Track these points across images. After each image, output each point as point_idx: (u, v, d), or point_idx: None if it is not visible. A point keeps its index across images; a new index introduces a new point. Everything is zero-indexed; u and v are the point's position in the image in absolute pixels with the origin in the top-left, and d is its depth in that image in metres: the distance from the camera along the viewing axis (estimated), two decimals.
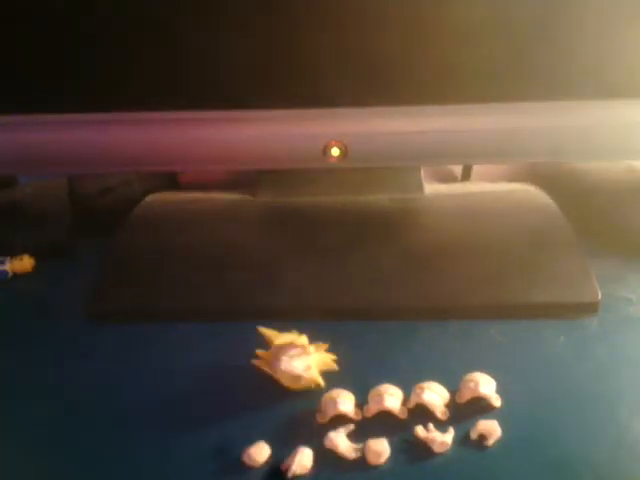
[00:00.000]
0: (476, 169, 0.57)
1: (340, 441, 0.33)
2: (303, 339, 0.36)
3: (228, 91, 0.42)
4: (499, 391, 0.35)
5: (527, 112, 0.41)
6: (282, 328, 0.37)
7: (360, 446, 0.33)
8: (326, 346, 0.37)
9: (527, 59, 0.39)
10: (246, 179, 0.57)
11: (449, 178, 0.58)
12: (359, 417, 0.34)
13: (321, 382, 0.36)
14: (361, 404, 0.35)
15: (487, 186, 0.53)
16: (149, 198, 0.54)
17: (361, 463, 0.32)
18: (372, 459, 0.32)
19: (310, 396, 0.36)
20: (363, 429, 0.34)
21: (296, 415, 0.35)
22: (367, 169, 0.51)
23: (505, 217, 0.48)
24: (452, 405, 0.35)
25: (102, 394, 0.37)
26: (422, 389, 0.35)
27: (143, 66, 0.41)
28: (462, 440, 0.33)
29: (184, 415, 0.36)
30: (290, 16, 0.39)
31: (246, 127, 0.42)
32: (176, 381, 0.38)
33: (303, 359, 0.35)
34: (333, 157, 0.43)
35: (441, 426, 0.33)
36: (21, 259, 0.48)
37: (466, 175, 0.57)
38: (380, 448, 0.32)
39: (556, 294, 0.41)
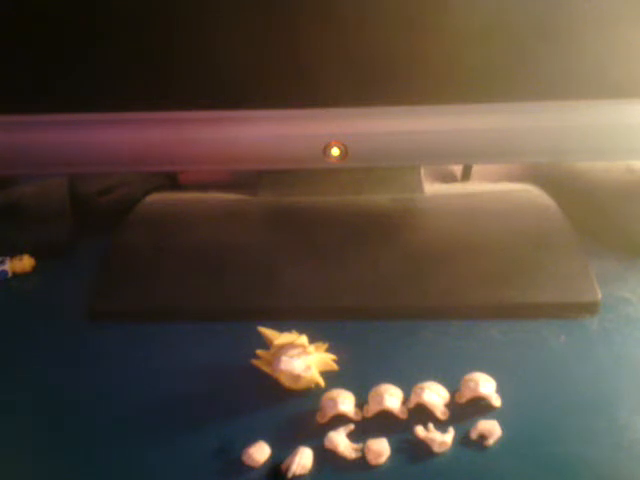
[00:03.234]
0: (476, 169, 0.57)
1: (340, 441, 0.33)
2: (303, 339, 0.36)
3: (228, 91, 0.42)
4: (499, 391, 0.35)
5: (527, 112, 0.41)
6: (282, 328, 0.37)
7: (360, 446, 0.33)
8: (326, 346, 0.37)
9: (527, 59, 0.39)
10: (246, 179, 0.57)
11: (449, 178, 0.58)
12: (359, 417, 0.34)
13: (321, 382, 0.36)
14: (361, 404, 0.35)
15: (487, 186, 0.53)
16: (149, 198, 0.54)
17: (361, 463, 0.32)
18: (372, 459, 0.32)
19: (310, 396, 0.36)
20: (363, 429, 0.34)
21: (296, 415, 0.35)
22: (367, 169, 0.51)
23: (505, 217, 0.48)
24: (452, 405, 0.35)
25: (102, 394, 0.37)
26: (422, 389, 0.35)
27: (143, 66, 0.41)
28: (462, 440, 0.33)
29: (184, 415, 0.36)
30: (290, 16, 0.39)
31: (246, 127, 0.42)
32: (176, 381, 0.38)
33: (303, 359, 0.35)
34: (333, 157, 0.43)
35: (441, 426, 0.33)
36: (21, 259, 0.48)
37: (466, 175, 0.57)
38: (380, 448, 0.32)
39: (556, 294, 0.41)
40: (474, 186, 0.54)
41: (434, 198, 0.51)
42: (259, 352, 0.37)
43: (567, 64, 0.39)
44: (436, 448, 0.32)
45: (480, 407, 0.35)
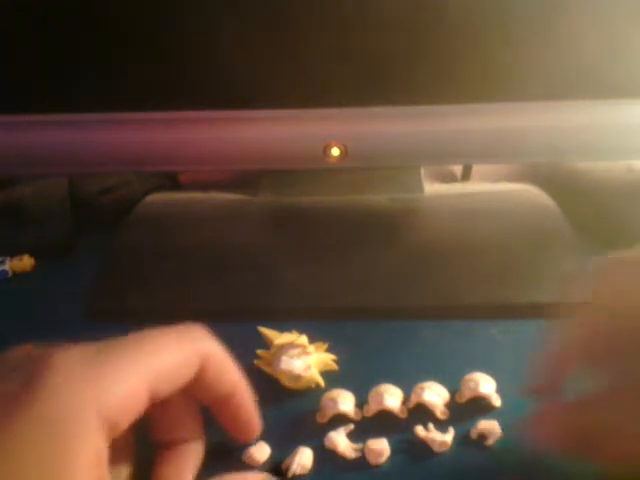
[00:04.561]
0: (476, 169, 0.57)
1: (340, 441, 0.32)
2: (303, 339, 0.36)
3: (228, 91, 0.42)
4: (499, 391, 0.35)
5: (527, 112, 0.41)
6: (282, 328, 0.37)
7: (360, 446, 0.33)
8: (326, 346, 0.37)
9: (527, 59, 0.39)
10: (246, 179, 0.57)
11: (449, 178, 0.58)
12: (359, 417, 0.34)
13: (321, 382, 0.36)
14: (361, 404, 0.35)
15: (487, 186, 0.53)
16: (149, 198, 0.54)
17: (361, 463, 0.32)
18: (372, 459, 0.32)
19: (310, 396, 0.36)
20: (363, 429, 0.34)
21: (296, 415, 0.35)
22: (367, 169, 0.51)
23: (505, 217, 0.48)
24: (452, 405, 0.35)
25: None
26: (422, 389, 0.35)
27: (143, 66, 0.41)
28: (462, 440, 0.33)
29: None
30: (290, 16, 0.39)
31: (246, 127, 0.42)
32: None
33: (303, 359, 0.35)
34: (333, 157, 0.43)
35: (441, 426, 0.33)
36: (21, 259, 0.48)
37: (466, 175, 0.57)
38: (380, 448, 0.32)
39: (556, 294, 0.41)
40: (474, 186, 0.54)
41: (434, 198, 0.51)
42: (259, 352, 0.37)
43: (567, 64, 0.39)
44: (436, 448, 0.32)
45: (480, 407, 0.35)
